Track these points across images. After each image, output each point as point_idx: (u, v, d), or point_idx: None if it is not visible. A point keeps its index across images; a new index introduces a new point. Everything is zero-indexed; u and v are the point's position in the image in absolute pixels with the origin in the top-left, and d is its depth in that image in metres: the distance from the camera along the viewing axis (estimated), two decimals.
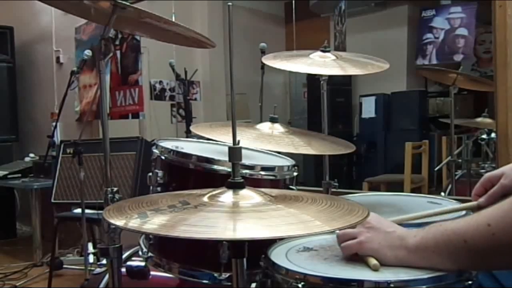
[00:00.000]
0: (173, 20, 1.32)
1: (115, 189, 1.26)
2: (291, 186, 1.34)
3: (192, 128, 1.44)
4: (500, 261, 0.88)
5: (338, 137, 1.52)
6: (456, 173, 3.03)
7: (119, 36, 4.17)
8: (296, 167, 1.38)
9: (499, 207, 0.87)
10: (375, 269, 0.91)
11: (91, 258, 3.19)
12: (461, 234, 0.88)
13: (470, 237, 0.87)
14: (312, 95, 5.13)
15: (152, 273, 1.36)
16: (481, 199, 1.16)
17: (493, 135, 2.93)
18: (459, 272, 0.90)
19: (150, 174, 1.34)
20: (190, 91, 4.12)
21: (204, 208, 0.85)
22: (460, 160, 3.12)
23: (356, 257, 0.97)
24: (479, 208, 1.16)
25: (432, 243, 0.90)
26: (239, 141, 0.90)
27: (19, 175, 4.39)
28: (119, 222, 0.83)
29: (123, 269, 1.33)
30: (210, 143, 1.47)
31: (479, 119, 2.93)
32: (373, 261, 0.93)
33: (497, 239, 0.84)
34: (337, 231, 1.01)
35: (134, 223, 0.81)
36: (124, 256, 1.36)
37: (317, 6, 5.19)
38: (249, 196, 0.89)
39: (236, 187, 0.90)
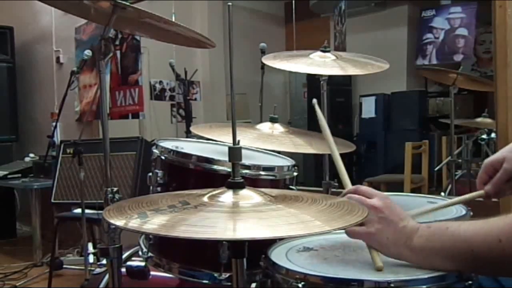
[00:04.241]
0: (173, 20, 1.32)
1: (115, 189, 1.26)
2: (291, 186, 1.34)
3: (192, 129, 1.45)
4: (506, 271, 0.88)
5: (338, 137, 1.52)
6: (456, 173, 3.03)
7: (119, 36, 4.18)
8: (296, 167, 1.38)
9: (511, 221, 0.85)
10: (378, 270, 0.91)
11: (91, 258, 3.19)
12: (468, 242, 0.87)
13: (478, 248, 0.86)
14: (312, 95, 5.13)
15: (152, 273, 1.36)
16: (487, 187, 1.13)
17: (493, 135, 2.93)
18: (459, 272, 0.90)
19: (150, 174, 1.34)
20: (190, 91, 4.12)
21: (204, 208, 0.85)
22: (460, 160, 3.12)
23: (358, 259, 0.96)
24: (487, 196, 1.15)
25: (437, 246, 0.89)
26: (239, 141, 0.90)
27: (19, 175, 4.38)
28: (119, 222, 0.83)
29: (123, 269, 1.33)
30: (210, 143, 1.47)
31: (479, 119, 2.93)
32: (378, 262, 0.92)
33: (507, 254, 0.83)
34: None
35: (134, 223, 0.81)
36: (124, 256, 1.36)
37: (317, 6, 5.20)
38: (249, 196, 0.89)
39: (236, 187, 0.90)
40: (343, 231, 0.98)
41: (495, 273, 0.93)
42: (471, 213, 1.21)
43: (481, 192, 1.16)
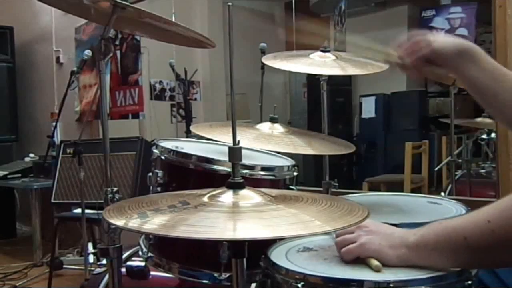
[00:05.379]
0: (173, 20, 1.32)
1: (115, 189, 1.26)
2: (291, 186, 1.34)
3: (192, 128, 1.44)
4: (500, 258, 0.88)
5: (338, 137, 1.52)
6: (456, 173, 3.03)
7: (119, 36, 4.18)
8: (296, 167, 1.38)
9: (499, 203, 0.87)
10: (377, 270, 0.91)
11: (91, 258, 3.18)
12: (461, 230, 0.88)
13: (470, 234, 0.87)
14: (312, 95, 5.13)
15: (152, 273, 1.36)
16: (407, 58, 1.18)
17: (493, 135, 2.93)
18: (459, 272, 0.90)
19: (150, 174, 1.34)
20: (190, 91, 4.12)
21: (204, 208, 0.85)
22: (460, 160, 3.11)
23: (357, 260, 0.97)
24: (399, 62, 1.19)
25: (432, 240, 0.90)
26: (239, 141, 0.90)
27: (19, 175, 4.39)
28: (119, 222, 0.83)
29: (123, 269, 1.33)
30: (210, 143, 1.47)
31: (479, 119, 2.92)
32: (374, 262, 0.92)
33: (496, 236, 0.84)
34: (336, 239, 1.01)
35: (134, 223, 0.81)
36: (124, 256, 1.36)
37: (317, 6, 5.19)
38: (249, 196, 0.89)
39: (236, 187, 0.90)
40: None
41: (490, 263, 0.94)
42: None
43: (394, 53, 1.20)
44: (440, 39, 1.16)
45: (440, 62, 1.16)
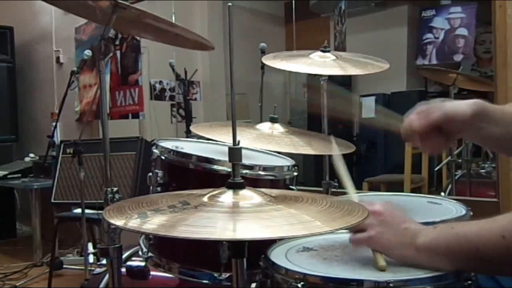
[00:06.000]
0: (173, 19, 1.32)
1: (115, 189, 1.26)
2: (291, 186, 1.34)
3: (192, 128, 1.45)
4: (511, 270, 0.88)
5: (338, 137, 1.52)
6: (456, 173, 3.03)
7: (119, 36, 4.18)
8: (296, 167, 1.38)
9: None
10: (381, 270, 0.91)
11: (91, 258, 3.19)
12: (473, 241, 0.87)
13: (483, 246, 0.85)
14: (312, 95, 5.13)
15: (152, 273, 1.36)
16: (416, 122, 1.06)
17: None
18: (458, 272, 0.90)
19: (150, 174, 1.34)
20: (190, 91, 4.12)
21: (204, 208, 0.85)
22: (460, 160, 3.12)
23: (357, 259, 0.96)
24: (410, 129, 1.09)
25: (443, 246, 0.89)
26: (239, 142, 0.90)
27: (19, 175, 4.39)
28: (119, 222, 0.83)
29: (123, 269, 1.33)
30: (210, 143, 1.47)
31: None
32: (380, 262, 0.92)
33: (510, 251, 0.83)
34: None
35: (134, 223, 0.81)
36: (124, 256, 1.36)
37: (317, 6, 5.19)
38: (249, 196, 0.89)
39: (236, 187, 0.90)
40: (343, 231, 0.98)
41: (500, 273, 0.93)
42: (471, 213, 1.21)
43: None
44: (451, 103, 1.05)
45: (453, 127, 1.03)
